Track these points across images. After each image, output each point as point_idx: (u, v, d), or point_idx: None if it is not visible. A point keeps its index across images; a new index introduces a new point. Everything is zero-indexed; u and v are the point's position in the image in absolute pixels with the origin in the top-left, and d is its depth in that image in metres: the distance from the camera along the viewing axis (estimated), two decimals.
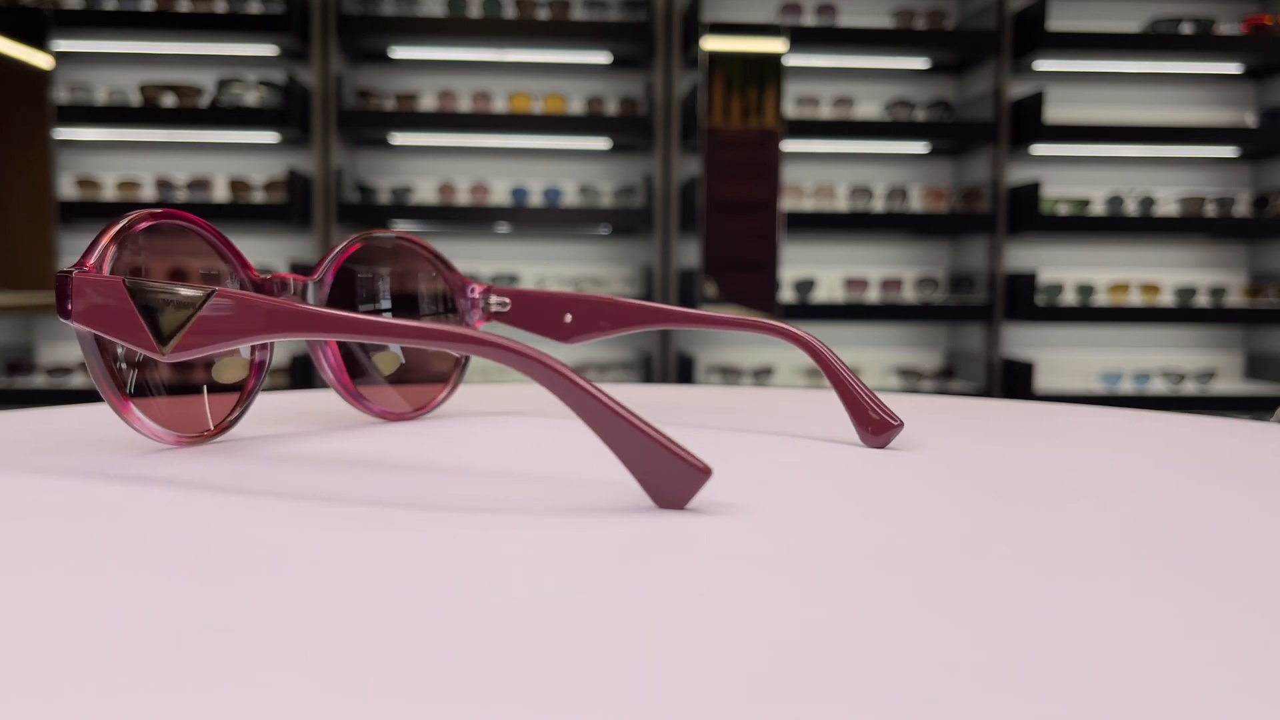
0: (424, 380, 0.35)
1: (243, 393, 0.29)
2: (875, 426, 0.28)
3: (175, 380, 0.27)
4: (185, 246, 0.28)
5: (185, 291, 0.23)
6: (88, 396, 2.33)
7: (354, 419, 0.34)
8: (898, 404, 0.39)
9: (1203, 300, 2.57)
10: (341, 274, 0.32)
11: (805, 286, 2.48)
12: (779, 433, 0.31)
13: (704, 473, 0.20)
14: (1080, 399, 2.46)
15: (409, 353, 0.34)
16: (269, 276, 0.30)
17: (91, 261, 0.25)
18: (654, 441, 0.20)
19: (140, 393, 0.26)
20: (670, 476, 0.20)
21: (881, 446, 0.28)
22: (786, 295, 2.46)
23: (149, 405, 0.27)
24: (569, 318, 0.34)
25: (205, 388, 0.29)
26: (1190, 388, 2.54)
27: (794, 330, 0.30)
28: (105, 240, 0.25)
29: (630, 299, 0.33)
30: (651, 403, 0.40)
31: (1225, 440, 0.32)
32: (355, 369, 0.33)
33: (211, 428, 0.28)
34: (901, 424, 0.28)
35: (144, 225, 0.26)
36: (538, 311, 0.34)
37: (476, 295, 0.35)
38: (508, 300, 0.35)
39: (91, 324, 0.24)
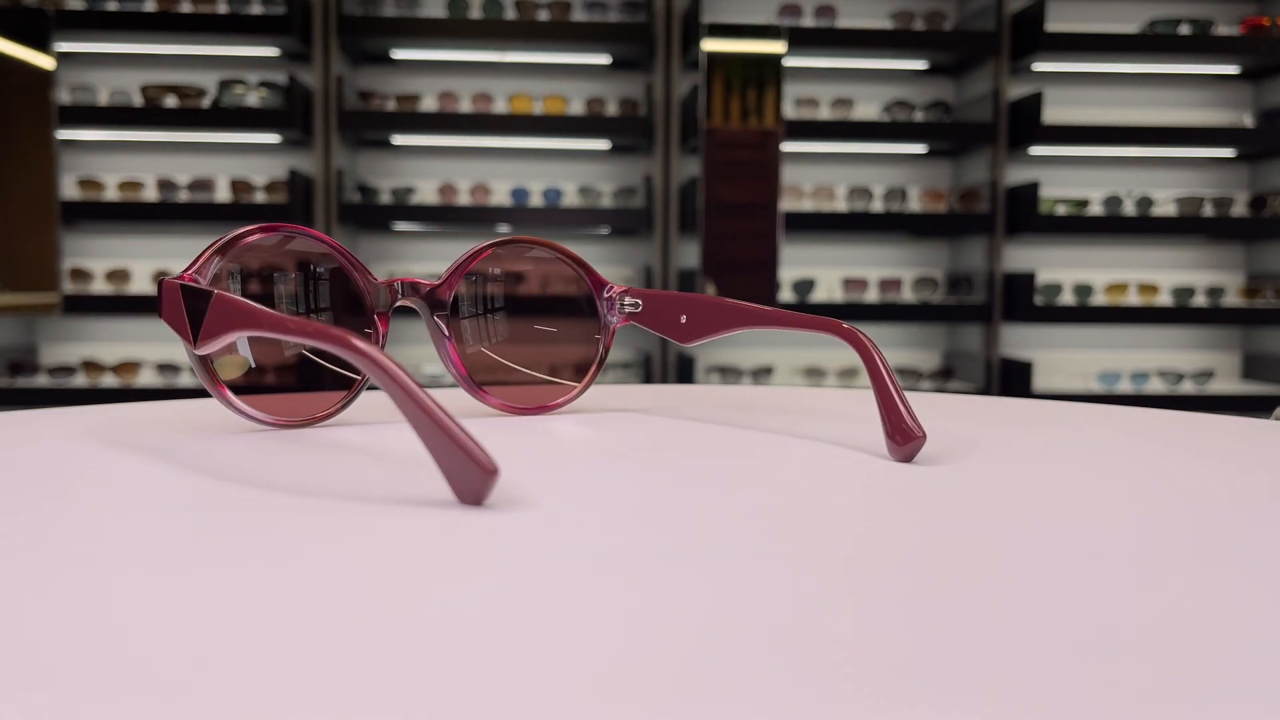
0: (554, 378, 0.36)
1: (353, 385, 0.32)
2: (900, 438, 0.27)
3: (279, 369, 0.31)
4: (300, 256, 0.31)
5: (202, 293, 0.26)
6: (90, 397, 2.33)
7: (472, 412, 0.35)
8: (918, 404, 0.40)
9: (1200, 300, 2.57)
10: (468, 278, 0.34)
11: (804, 287, 2.49)
12: (807, 437, 0.31)
13: (490, 473, 0.20)
14: (1078, 399, 2.47)
15: (536, 351, 0.36)
16: (389, 281, 0.32)
17: (191, 270, 0.28)
18: (451, 439, 0.20)
19: (242, 380, 0.30)
20: (466, 474, 0.21)
21: (906, 460, 0.26)
22: (785, 295, 2.47)
23: (245, 391, 0.30)
24: (684, 319, 0.34)
25: (311, 377, 0.32)
26: (1188, 387, 2.55)
27: (847, 328, 0.30)
28: (208, 252, 0.29)
29: (732, 300, 0.34)
30: (758, 403, 0.40)
31: (1230, 437, 0.33)
32: (478, 365, 0.34)
33: (314, 415, 0.31)
34: (923, 436, 0.26)
35: (254, 238, 0.29)
36: (661, 312, 0.35)
37: (614, 295, 0.36)
38: (639, 301, 0.35)
39: (170, 322, 0.28)
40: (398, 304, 0.32)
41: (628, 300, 0.35)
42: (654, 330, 0.35)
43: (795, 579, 0.16)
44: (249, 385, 0.30)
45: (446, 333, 0.34)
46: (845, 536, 0.19)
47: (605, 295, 0.36)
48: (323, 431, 0.31)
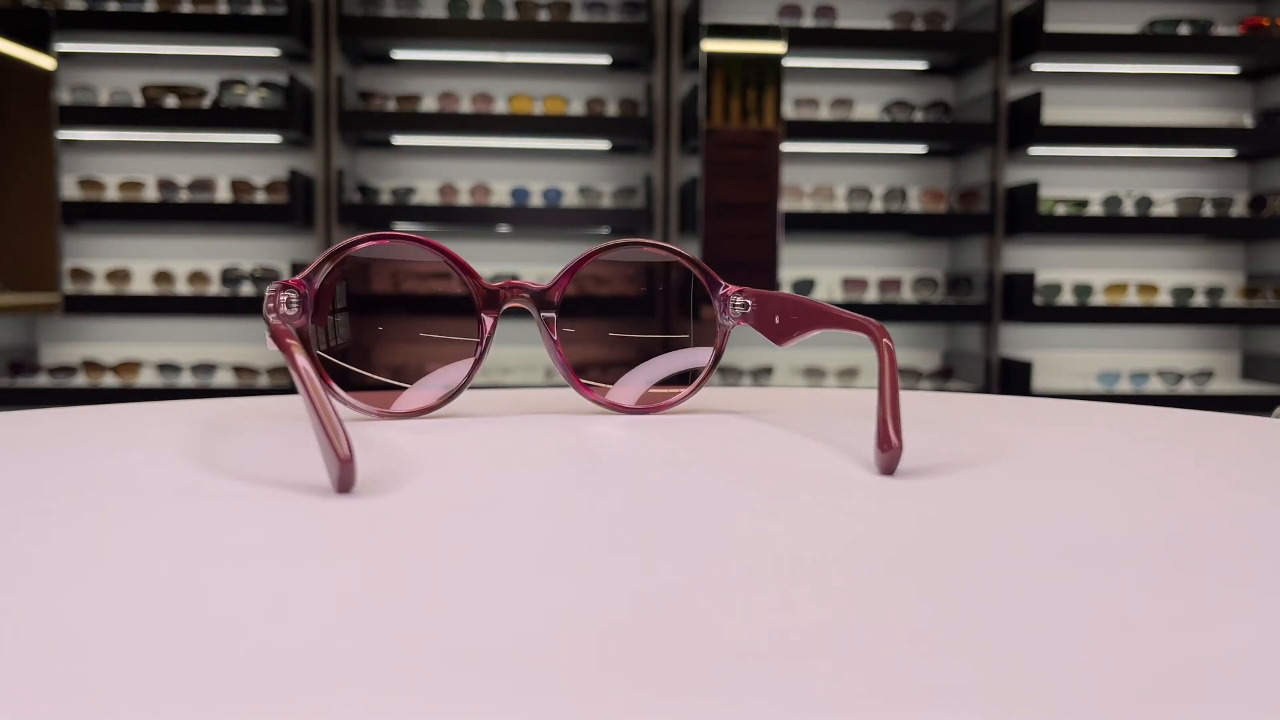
0: (664, 379, 0.36)
1: (460, 382, 0.34)
2: (883, 448, 0.25)
3: (390, 365, 0.33)
4: (410, 262, 0.33)
5: (265, 298, 0.30)
6: (90, 397, 2.33)
7: (569, 409, 0.36)
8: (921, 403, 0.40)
9: (1200, 300, 2.58)
10: (578, 280, 0.34)
11: (804, 287, 2.49)
12: (822, 439, 0.30)
13: (343, 461, 0.21)
14: (1078, 399, 2.46)
15: (647, 352, 0.36)
16: (499, 284, 0.34)
17: (301, 276, 0.31)
18: (323, 428, 0.22)
19: (345, 374, 0.32)
20: (331, 462, 0.22)
21: (887, 470, 0.25)
22: None
23: (353, 385, 0.33)
24: (778, 320, 0.34)
25: (418, 374, 0.34)
26: (1187, 387, 2.55)
27: (875, 328, 0.29)
28: (320, 259, 0.32)
29: (811, 300, 0.34)
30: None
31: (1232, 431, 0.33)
32: (586, 364, 0.35)
33: (413, 409, 0.34)
34: (898, 447, 0.25)
35: (363, 245, 0.32)
36: (764, 313, 0.35)
37: (728, 295, 0.35)
38: (750, 302, 0.35)
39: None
40: (507, 306, 0.34)
41: (739, 300, 0.35)
42: (759, 330, 0.35)
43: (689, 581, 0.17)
44: (358, 380, 0.33)
45: (555, 333, 0.34)
46: (785, 542, 0.20)
47: (719, 296, 0.36)
48: (382, 425, 0.32)
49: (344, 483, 0.21)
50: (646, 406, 0.36)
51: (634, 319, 0.36)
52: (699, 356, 0.36)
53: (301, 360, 0.24)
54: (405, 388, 0.33)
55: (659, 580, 0.16)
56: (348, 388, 0.32)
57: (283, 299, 0.31)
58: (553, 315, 0.34)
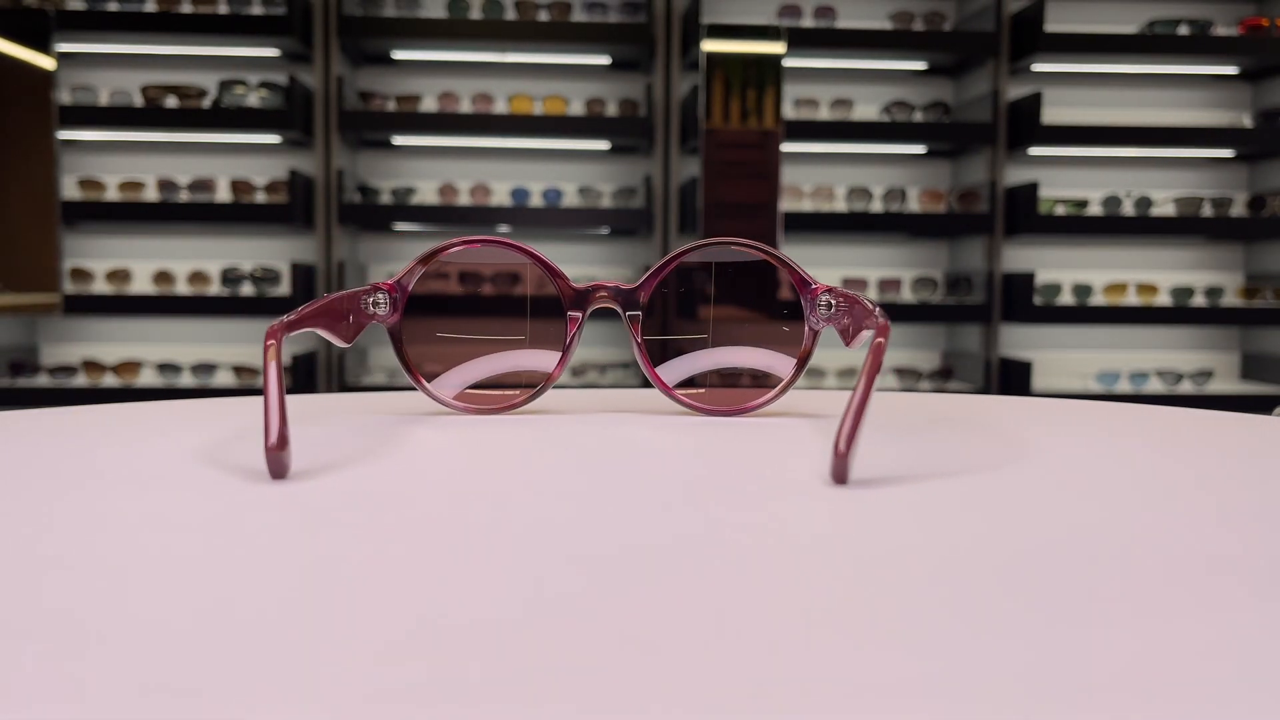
0: (747, 381, 0.36)
1: (544, 380, 0.35)
2: (835, 452, 0.24)
3: (477, 363, 0.35)
4: (500, 264, 0.35)
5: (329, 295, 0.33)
6: (90, 397, 2.33)
7: (649, 408, 0.36)
8: (907, 403, 0.40)
9: (1199, 301, 2.57)
10: (665, 281, 0.35)
11: None
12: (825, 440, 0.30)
13: (269, 449, 0.23)
14: (1078, 399, 2.46)
15: (733, 352, 0.36)
16: (586, 285, 0.35)
17: (395, 279, 0.34)
18: (265, 416, 0.23)
19: (433, 370, 0.35)
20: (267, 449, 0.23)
21: (838, 476, 0.24)
22: None
23: (443, 382, 0.35)
24: (847, 320, 0.34)
25: (506, 372, 0.35)
26: (1187, 387, 2.55)
27: (879, 325, 0.29)
28: (413, 263, 0.34)
29: (855, 297, 0.33)
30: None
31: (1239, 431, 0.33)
32: (670, 365, 0.36)
33: (498, 405, 0.35)
34: (843, 453, 0.23)
35: (454, 250, 0.34)
36: (842, 314, 0.34)
37: (818, 294, 0.35)
38: (833, 301, 0.35)
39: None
40: (594, 306, 0.35)
41: (826, 300, 0.35)
42: (839, 331, 0.34)
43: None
44: (447, 378, 0.35)
45: (640, 334, 0.35)
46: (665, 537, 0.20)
47: (809, 295, 0.35)
48: (427, 421, 0.34)
49: (275, 469, 0.23)
50: (730, 408, 0.35)
51: (720, 319, 0.36)
52: (785, 359, 0.36)
53: (271, 362, 0.26)
54: (492, 385, 0.35)
55: (593, 582, 0.16)
56: (438, 386, 0.35)
57: (372, 300, 0.34)
58: (639, 315, 0.35)
